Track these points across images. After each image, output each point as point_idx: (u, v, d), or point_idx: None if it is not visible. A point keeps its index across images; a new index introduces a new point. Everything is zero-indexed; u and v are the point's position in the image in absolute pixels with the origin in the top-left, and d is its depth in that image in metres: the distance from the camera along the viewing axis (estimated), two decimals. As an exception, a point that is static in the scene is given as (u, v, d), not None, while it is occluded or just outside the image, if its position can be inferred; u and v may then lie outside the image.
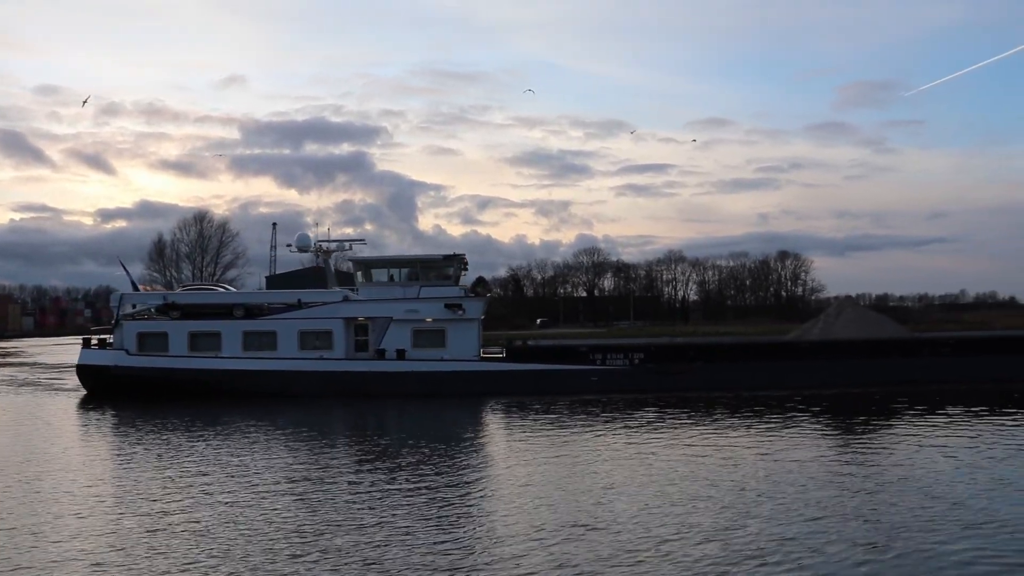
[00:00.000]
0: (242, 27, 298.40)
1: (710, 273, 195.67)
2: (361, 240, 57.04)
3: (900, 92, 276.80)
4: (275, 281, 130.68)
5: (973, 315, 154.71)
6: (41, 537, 18.49)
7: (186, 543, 17.78)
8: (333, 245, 55.62)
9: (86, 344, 53.32)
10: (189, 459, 28.28)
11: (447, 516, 19.69)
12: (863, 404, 41.18)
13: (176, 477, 25.09)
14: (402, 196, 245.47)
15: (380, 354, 50.25)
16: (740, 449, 28.25)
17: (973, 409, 37.35)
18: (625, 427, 34.27)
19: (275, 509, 20.64)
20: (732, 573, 15.24)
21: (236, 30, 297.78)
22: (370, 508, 20.59)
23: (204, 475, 25.27)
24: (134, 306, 53.62)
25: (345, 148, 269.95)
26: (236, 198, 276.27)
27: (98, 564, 16.49)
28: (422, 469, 25.70)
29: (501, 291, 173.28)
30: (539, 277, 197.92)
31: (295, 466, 26.61)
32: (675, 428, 33.78)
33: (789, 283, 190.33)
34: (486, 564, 16.09)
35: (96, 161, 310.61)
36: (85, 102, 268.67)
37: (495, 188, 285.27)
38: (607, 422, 36.03)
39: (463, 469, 26.11)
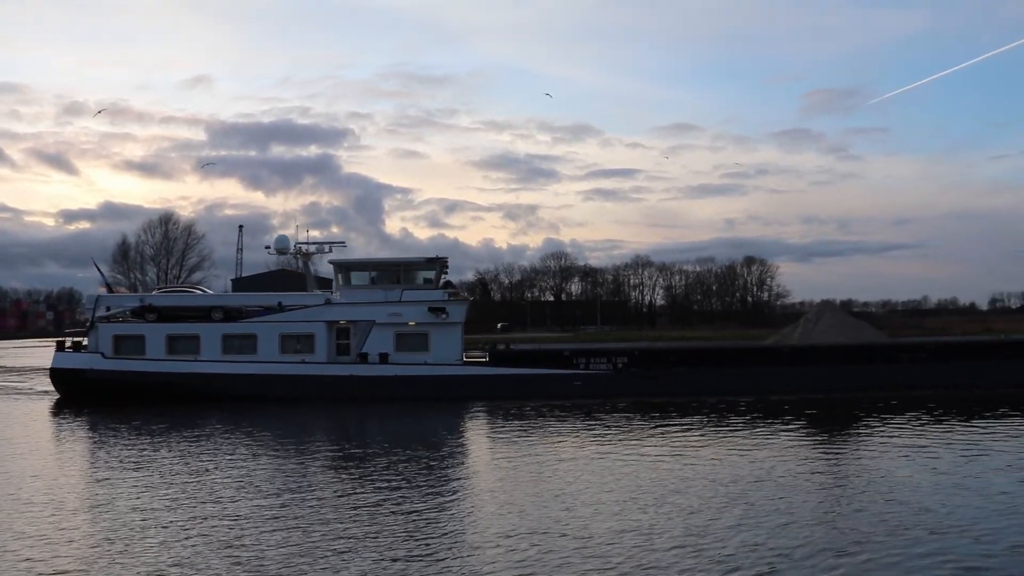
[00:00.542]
0: (208, 27, 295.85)
1: (677, 278, 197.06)
2: (341, 243, 56.42)
3: (865, 99, 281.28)
4: (241, 284, 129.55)
5: (934, 320, 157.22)
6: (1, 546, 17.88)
7: (152, 551, 17.29)
8: (312, 247, 54.94)
9: (60, 347, 52.14)
10: (164, 465, 27.58)
11: (419, 524, 19.31)
12: (840, 409, 41.33)
13: (149, 484, 24.42)
14: (369, 199, 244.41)
15: (363, 358, 49.71)
16: (713, 454, 28.17)
17: (945, 415, 37.68)
18: (605, 432, 34.03)
19: (246, 516, 20.21)
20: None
21: (202, 30, 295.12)
22: (343, 516, 20.13)
23: (178, 482, 24.63)
24: (108, 308, 52.55)
25: (312, 150, 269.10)
26: (202, 200, 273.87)
27: (61, 573, 16.05)
28: (399, 475, 25.33)
29: (468, 295, 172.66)
30: (506, 281, 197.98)
31: (271, 472, 26.09)
32: (653, 433, 33.60)
33: (755, 288, 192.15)
34: (451, 572, 15.89)
35: (58, 161, 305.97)
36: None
37: (462, 192, 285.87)
38: (588, 427, 35.81)
39: (440, 476, 25.79)
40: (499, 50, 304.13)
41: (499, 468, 26.68)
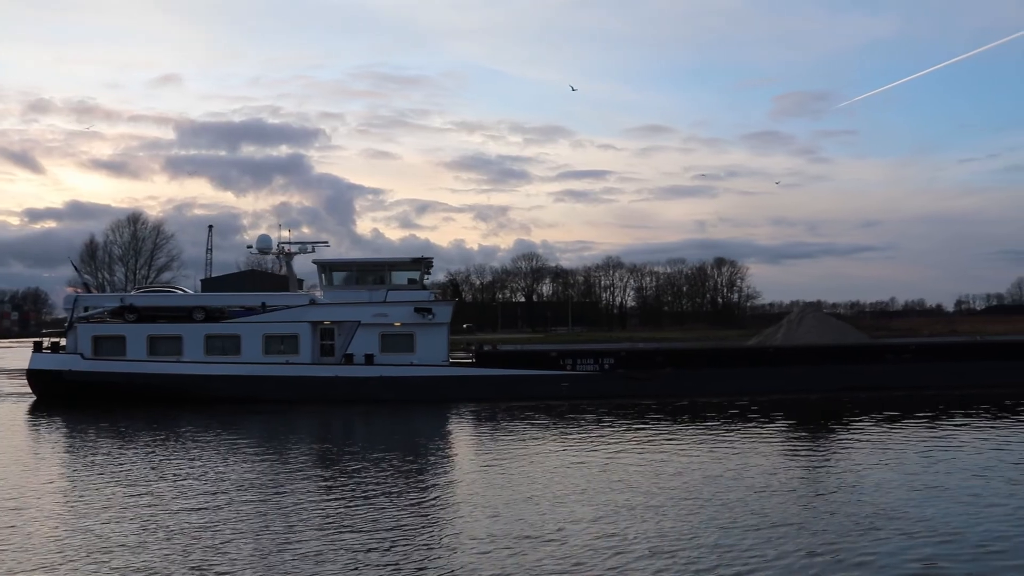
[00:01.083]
0: (178, 26, 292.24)
1: (647, 279, 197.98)
2: (324, 242, 55.70)
3: (834, 103, 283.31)
4: (210, 284, 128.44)
5: (901, 322, 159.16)
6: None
7: (124, 559, 16.83)
8: (295, 247, 54.25)
9: (37, 348, 51.06)
10: (143, 469, 26.97)
11: (395, 527, 19.03)
12: (822, 410, 41.47)
13: (126, 488, 23.83)
14: (340, 199, 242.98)
15: (348, 359, 49.16)
16: (692, 456, 28.08)
17: (923, 415, 37.75)
18: (587, 434, 33.78)
19: (222, 520, 19.84)
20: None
21: (171, 29, 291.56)
22: (320, 520, 19.79)
23: (157, 486, 24.09)
24: (86, 309, 51.61)
25: (283, 150, 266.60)
26: (171, 199, 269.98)
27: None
28: (380, 478, 25.00)
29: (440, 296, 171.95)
30: (478, 282, 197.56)
31: (252, 476, 25.62)
32: (634, 435, 33.37)
33: (725, 290, 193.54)
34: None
35: (23, 159, 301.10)
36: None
37: (434, 192, 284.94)
38: (571, 429, 35.59)
39: (422, 479, 25.42)
40: (471, 51, 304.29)
41: (481, 471, 26.39)
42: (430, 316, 49.74)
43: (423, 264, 52.41)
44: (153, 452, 30.53)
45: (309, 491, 23.30)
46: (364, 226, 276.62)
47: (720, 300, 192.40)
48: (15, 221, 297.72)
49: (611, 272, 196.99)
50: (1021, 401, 42.45)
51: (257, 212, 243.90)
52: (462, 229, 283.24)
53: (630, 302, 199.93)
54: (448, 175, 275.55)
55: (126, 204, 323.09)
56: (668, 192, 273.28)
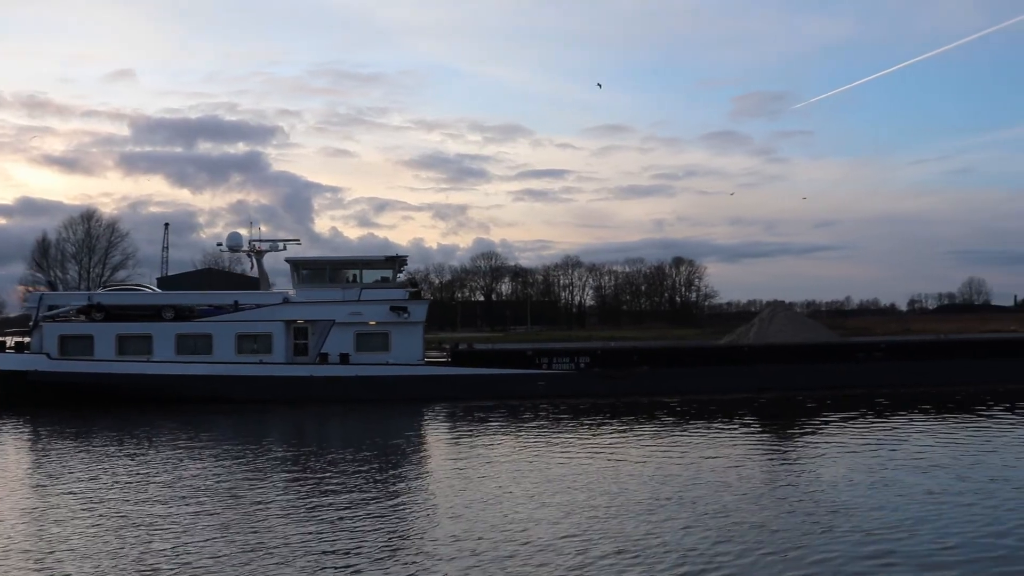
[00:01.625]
0: (132, 20, 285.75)
1: (606, 278, 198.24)
2: (295, 240, 54.94)
3: (791, 103, 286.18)
4: (167, 283, 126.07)
5: (856, 321, 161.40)
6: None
7: (76, 566, 16.41)
8: (266, 245, 53.44)
9: (0, 347, 49.72)
10: (111, 473, 26.18)
11: (364, 529, 18.78)
12: (790, 408, 41.68)
13: (93, 493, 23.12)
14: (298, 197, 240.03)
15: (323, 358, 48.53)
16: (656, 455, 28.07)
17: (890, 413, 38.02)
18: (556, 434, 33.64)
19: (190, 523, 19.45)
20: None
21: (125, 23, 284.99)
22: (288, 523, 19.44)
23: (124, 491, 23.45)
24: (51, 308, 50.39)
25: (240, 147, 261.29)
26: (126, 196, 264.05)
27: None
28: (349, 480, 24.67)
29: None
30: (437, 281, 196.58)
31: (223, 478, 25.13)
32: (604, 434, 33.28)
33: (683, 289, 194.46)
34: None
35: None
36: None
37: (392, 191, 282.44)
38: (542, 428, 35.46)
39: (391, 481, 24.86)
40: (430, 49, 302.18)
41: (449, 472, 26.13)
42: (406, 315, 49.30)
43: (397, 262, 51.94)
44: (122, 456, 29.69)
45: (277, 493, 22.96)
46: (322, 224, 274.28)
47: (678, 299, 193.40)
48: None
49: (570, 271, 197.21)
50: (984, 399, 43.00)
51: (214, 210, 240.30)
52: (421, 228, 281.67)
53: (589, 301, 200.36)
54: (407, 173, 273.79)
55: (79, 201, 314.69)
56: (627, 191, 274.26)
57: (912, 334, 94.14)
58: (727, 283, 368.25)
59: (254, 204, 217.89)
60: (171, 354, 48.03)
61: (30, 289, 52.50)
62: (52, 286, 53.89)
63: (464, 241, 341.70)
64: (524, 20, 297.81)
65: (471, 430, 36.23)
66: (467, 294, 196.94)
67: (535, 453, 29.11)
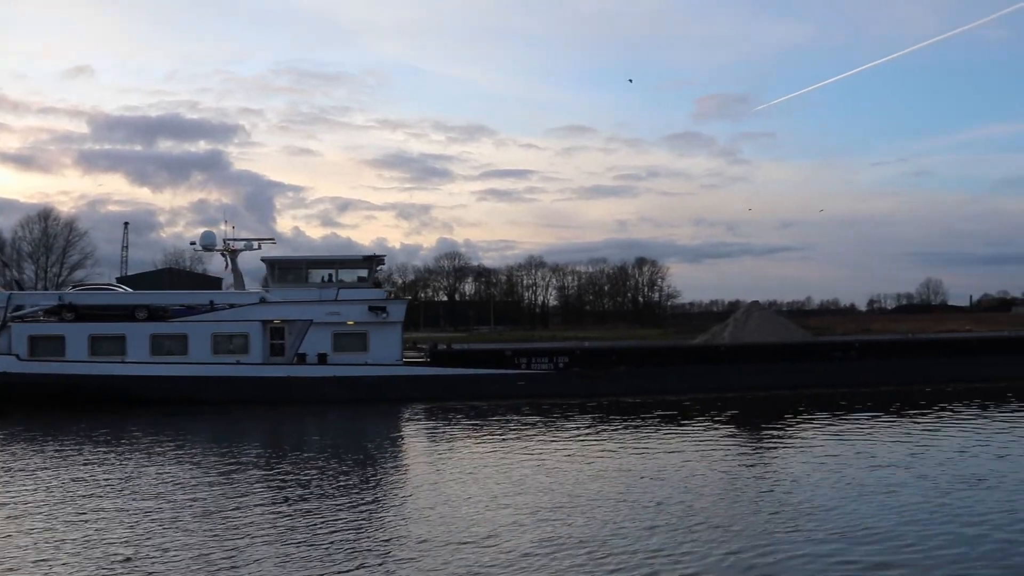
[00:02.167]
0: (90, 16, 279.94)
1: (570, 279, 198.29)
2: (270, 239, 54.14)
3: (753, 105, 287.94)
4: (126, 282, 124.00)
5: (817, 320, 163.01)
6: None
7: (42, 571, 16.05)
8: (241, 244, 52.61)
9: (-34, 349, 48.41)
10: (85, 477, 25.58)
11: (336, 533, 18.61)
12: (763, 408, 41.93)
13: (63, 499, 22.53)
14: (260, 196, 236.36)
15: (301, 358, 47.92)
16: (624, 456, 28.13)
17: (862, 412, 38.39)
18: (530, 435, 33.55)
19: (162, 528, 19.08)
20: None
21: (83, 19, 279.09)
22: (259, 527, 19.17)
23: (96, 495, 22.90)
24: (17, 308, 49.18)
25: (201, 146, 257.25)
26: (84, 195, 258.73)
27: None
28: (321, 482, 24.45)
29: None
30: (400, 281, 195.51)
31: (197, 481, 24.71)
32: (580, 436, 33.17)
33: (646, 289, 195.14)
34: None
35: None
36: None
37: (355, 190, 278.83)
38: (516, 429, 35.34)
39: (364, 484, 24.56)
40: (394, 49, 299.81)
41: (420, 474, 26.08)
42: (384, 315, 48.85)
43: (374, 262, 51.45)
44: (95, 459, 28.97)
45: (259, 496, 22.58)
46: (284, 224, 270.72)
47: (641, 299, 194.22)
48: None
49: (533, 271, 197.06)
50: (951, 397, 43.61)
51: (175, 209, 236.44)
52: (384, 227, 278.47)
53: (552, 301, 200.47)
54: (370, 173, 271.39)
55: (36, 199, 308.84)
56: (590, 192, 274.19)
57: (872, 334, 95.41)
58: (690, 283, 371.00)
59: (215, 203, 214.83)
60: (145, 355, 47.12)
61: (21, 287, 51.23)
62: (20, 285, 52.34)
63: (427, 241, 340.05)
64: (488, 20, 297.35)
65: (448, 431, 36.02)
66: (430, 294, 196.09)
67: (508, 454, 29.06)
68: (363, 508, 21.15)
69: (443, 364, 49.65)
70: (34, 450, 31.58)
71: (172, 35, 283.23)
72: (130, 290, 54.01)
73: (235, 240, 52.45)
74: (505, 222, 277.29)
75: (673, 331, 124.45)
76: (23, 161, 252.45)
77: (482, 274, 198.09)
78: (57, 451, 30.95)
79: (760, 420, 38.09)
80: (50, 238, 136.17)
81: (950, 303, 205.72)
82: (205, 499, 22.20)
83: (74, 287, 60.66)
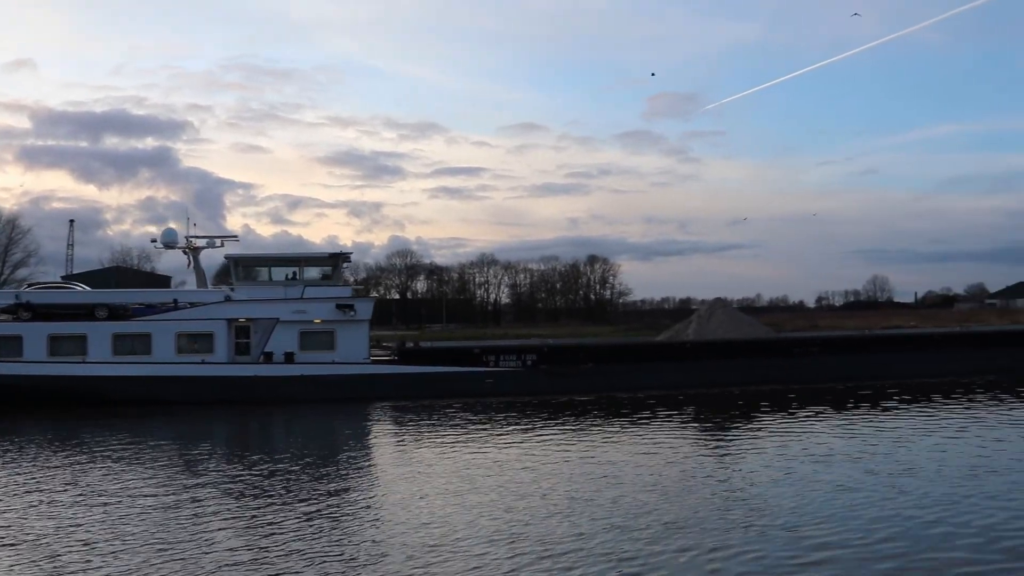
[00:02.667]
0: (32, 7, 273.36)
1: (522, 276, 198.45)
2: (234, 236, 53.25)
3: (703, 104, 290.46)
4: (73, 280, 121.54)
5: (766, 317, 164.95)
6: None
7: None
8: (203, 241, 51.74)
9: (-82, 350, 46.96)
10: (44, 481, 24.94)
11: (301, 536, 18.39)
12: (728, 404, 42.13)
13: (19, 505, 21.95)
14: (209, 194, 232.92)
15: (267, 357, 47.26)
16: (590, 454, 28.17)
17: (824, 409, 38.77)
18: (495, 434, 33.47)
19: (123, 534, 18.66)
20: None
21: (24, 10, 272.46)
22: (223, 533, 18.79)
23: (57, 501, 22.36)
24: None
25: (149, 142, 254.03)
26: (27, 192, 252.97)
27: None
28: (288, 482, 24.26)
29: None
30: (352, 279, 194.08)
31: (159, 485, 24.21)
32: (542, 434, 33.10)
33: (598, 286, 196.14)
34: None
35: None
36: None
37: (306, 188, 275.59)
38: (483, 428, 35.31)
39: (328, 485, 24.18)
40: (346, 46, 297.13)
41: (390, 474, 25.95)
42: (351, 312, 48.38)
43: (340, 259, 50.93)
44: (55, 463, 28.21)
45: (222, 500, 22.16)
46: (234, 222, 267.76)
47: (593, 297, 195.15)
48: None
49: (485, 269, 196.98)
50: (905, 392, 44.33)
51: (122, 206, 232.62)
52: (335, 225, 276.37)
53: (504, 299, 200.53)
54: (321, 170, 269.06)
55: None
56: (541, 190, 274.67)
57: (820, 330, 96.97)
58: (641, 281, 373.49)
59: (164, 201, 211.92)
60: (107, 355, 46.11)
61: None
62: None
63: (379, 239, 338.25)
64: (439, 18, 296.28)
65: (414, 430, 35.79)
66: (382, 292, 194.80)
67: (470, 453, 28.98)
68: (324, 509, 20.81)
69: (411, 362, 49.34)
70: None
71: (118, 29, 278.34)
72: (88, 288, 52.82)
73: (198, 237, 51.62)
74: (457, 220, 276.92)
75: (624, 328, 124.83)
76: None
77: (434, 272, 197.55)
78: (13, 458, 29.66)
79: (719, 416, 38.28)
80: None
81: (896, 300, 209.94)
82: (165, 503, 21.66)
83: (30, 285, 59.08)
